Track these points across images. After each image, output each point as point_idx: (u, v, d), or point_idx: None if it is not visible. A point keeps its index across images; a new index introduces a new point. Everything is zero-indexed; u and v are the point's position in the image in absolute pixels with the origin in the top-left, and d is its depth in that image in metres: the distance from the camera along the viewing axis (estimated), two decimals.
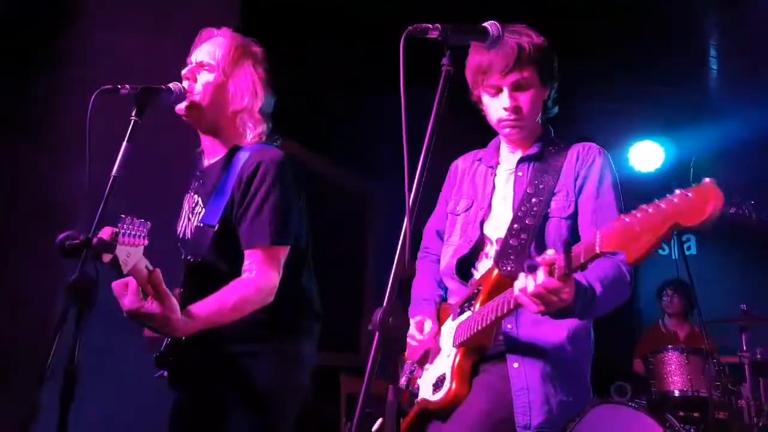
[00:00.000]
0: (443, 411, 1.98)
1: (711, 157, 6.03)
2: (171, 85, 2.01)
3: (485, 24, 1.67)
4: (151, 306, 1.73)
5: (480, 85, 2.13)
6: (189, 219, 2.20)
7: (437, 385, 2.01)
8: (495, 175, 2.22)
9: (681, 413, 4.34)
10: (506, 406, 1.92)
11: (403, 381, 2.21)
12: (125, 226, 1.64)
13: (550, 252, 1.68)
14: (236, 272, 1.98)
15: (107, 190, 1.71)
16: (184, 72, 2.12)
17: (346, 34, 4.74)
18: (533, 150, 2.17)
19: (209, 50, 2.14)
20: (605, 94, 5.64)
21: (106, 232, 1.62)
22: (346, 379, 4.12)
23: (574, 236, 2.02)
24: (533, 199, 2.04)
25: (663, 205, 1.40)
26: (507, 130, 2.14)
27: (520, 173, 2.16)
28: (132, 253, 1.66)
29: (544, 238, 2.02)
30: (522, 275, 1.71)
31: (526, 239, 1.99)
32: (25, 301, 3.09)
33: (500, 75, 2.05)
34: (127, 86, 1.84)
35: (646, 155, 6.20)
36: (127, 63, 3.34)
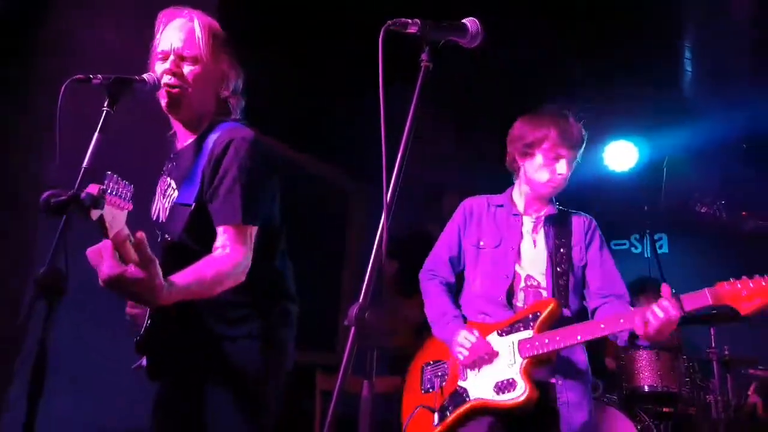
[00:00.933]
0: (513, 410, 2.41)
1: (684, 157, 6.12)
2: (145, 75, 1.95)
3: (464, 21, 1.67)
4: (135, 271, 1.65)
5: (542, 149, 2.65)
6: (162, 202, 2.15)
7: (503, 388, 2.45)
8: (522, 223, 2.75)
9: (651, 408, 4.40)
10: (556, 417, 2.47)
11: (436, 385, 2.66)
12: (111, 184, 1.55)
13: (665, 289, 2.28)
14: (211, 251, 1.95)
15: (78, 183, 1.67)
16: (166, 66, 2.04)
17: (329, 31, 4.71)
18: (553, 211, 2.76)
19: (184, 38, 2.06)
20: (580, 94, 5.69)
21: (93, 188, 1.54)
22: (322, 377, 4.10)
23: (584, 281, 2.67)
24: (561, 249, 2.64)
25: (764, 283, 2.17)
26: (550, 190, 2.71)
27: (547, 227, 2.72)
28: (116, 216, 1.58)
29: (575, 280, 2.63)
30: (648, 312, 2.25)
31: (566, 280, 2.60)
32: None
33: (567, 149, 2.64)
34: (100, 76, 1.79)
35: (621, 155, 6.27)
36: (108, 54, 3.30)
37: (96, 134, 1.72)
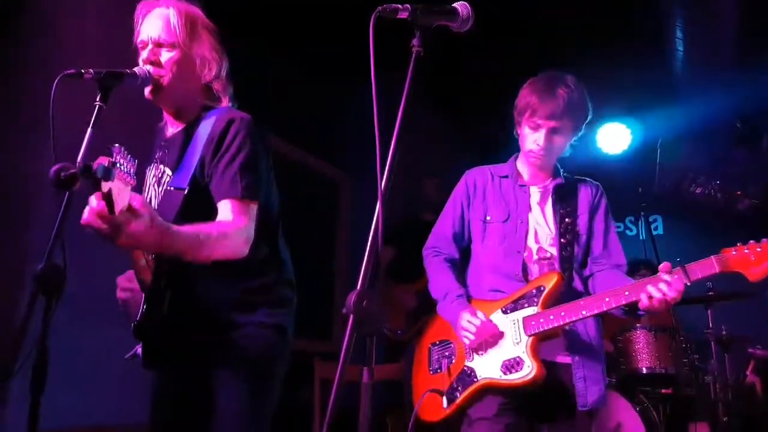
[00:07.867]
0: (521, 389, 2.40)
1: (677, 139, 6.12)
2: (136, 69, 1.96)
3: (455, 5, 1.66)
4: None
5: (524, 119, 2.57)
6: (155, 189, 2.14)
7: (510, 367, 2.44)
8: (530, 194, 2.67)
9: (650, 390, 4.43)
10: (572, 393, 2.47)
11: (444, 366, 2.63)
12: (119, 158, 1.52)
13: (663, 265, 2.27)
14: None
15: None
16: (144, 55, 2.05)
17: (316, 20, 4.70)
18: (559, 181, 2.67)
19: (161, 25, 2.06)
20: (573, 76, 5.67)
21: (103, 160, 1.50)
22: (320, 365, 4.11)
23: (587, 249, 2.62)
24: (566, 219, 2.60)
25: None
26: (533, 161, 2.63)
27: (554, 197, 2.65)
28: (122, 192, 1.54)
29: (579, 250, 2.60)
30: (650, 286, 2.25)
31: (571, 251, 2.56)
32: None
33: (545, 118, 2.52)
34: (91, 71, 1.78)
35: (614, 137, 6.27)
36: (88, 42, 3.27)
37: (89, 129, 1.71)
